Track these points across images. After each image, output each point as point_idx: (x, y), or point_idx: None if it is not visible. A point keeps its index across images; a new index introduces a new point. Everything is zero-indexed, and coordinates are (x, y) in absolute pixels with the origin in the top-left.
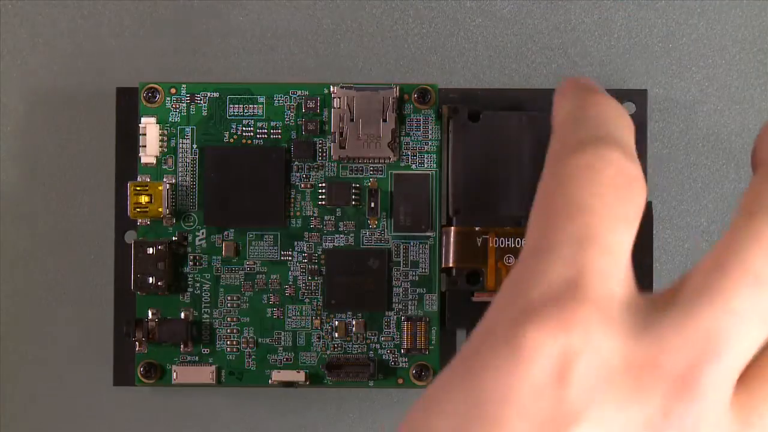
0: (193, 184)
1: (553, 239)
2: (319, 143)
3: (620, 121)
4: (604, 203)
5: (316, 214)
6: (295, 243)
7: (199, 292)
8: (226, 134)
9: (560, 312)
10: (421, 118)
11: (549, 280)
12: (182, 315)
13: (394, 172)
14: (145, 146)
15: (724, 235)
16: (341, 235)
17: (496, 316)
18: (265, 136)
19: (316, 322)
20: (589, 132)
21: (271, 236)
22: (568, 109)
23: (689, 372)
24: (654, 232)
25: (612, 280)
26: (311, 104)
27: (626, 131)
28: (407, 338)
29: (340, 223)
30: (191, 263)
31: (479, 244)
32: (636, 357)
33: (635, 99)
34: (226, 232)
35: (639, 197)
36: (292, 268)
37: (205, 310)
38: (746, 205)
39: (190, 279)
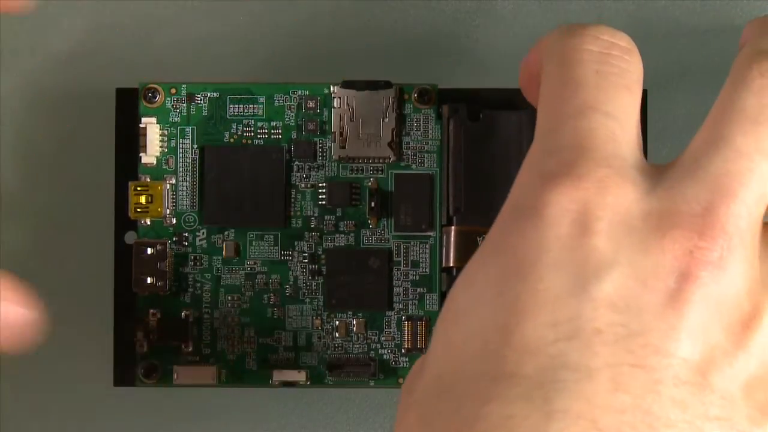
0: (193, 184)
1: (558, 116)
2: (320, 143)
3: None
4: (601, 75)
5: (316, 214)
6: (296, 243)
7: (199, 292)
8: (227, 134)
9: (573, 171)
10: (421, 117)
11: (560, 148)
12: (183, 315)
13: (394, 171)
14: (145, 146)
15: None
16: (342, 235)
17: (516, 194)
18: (266, 136)
19: (317, 322)
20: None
21: (272, 236)
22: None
23: (707, 212)
24: None
25: (620, 143)
26: (311, 104)
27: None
28: (408, 338)
29: (341, 223)
30: (192, 263)
31: (480, 244)
32: (653, 208)
33: None
34: (226, 232)
35: (634, 66)
36: (292, 268)
37: (206, 310)
38: (733, 69)
39: (190, 279)
